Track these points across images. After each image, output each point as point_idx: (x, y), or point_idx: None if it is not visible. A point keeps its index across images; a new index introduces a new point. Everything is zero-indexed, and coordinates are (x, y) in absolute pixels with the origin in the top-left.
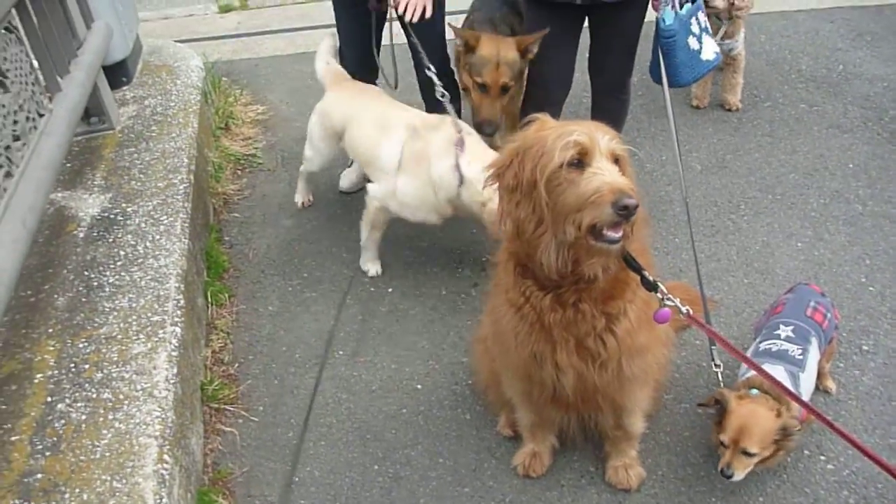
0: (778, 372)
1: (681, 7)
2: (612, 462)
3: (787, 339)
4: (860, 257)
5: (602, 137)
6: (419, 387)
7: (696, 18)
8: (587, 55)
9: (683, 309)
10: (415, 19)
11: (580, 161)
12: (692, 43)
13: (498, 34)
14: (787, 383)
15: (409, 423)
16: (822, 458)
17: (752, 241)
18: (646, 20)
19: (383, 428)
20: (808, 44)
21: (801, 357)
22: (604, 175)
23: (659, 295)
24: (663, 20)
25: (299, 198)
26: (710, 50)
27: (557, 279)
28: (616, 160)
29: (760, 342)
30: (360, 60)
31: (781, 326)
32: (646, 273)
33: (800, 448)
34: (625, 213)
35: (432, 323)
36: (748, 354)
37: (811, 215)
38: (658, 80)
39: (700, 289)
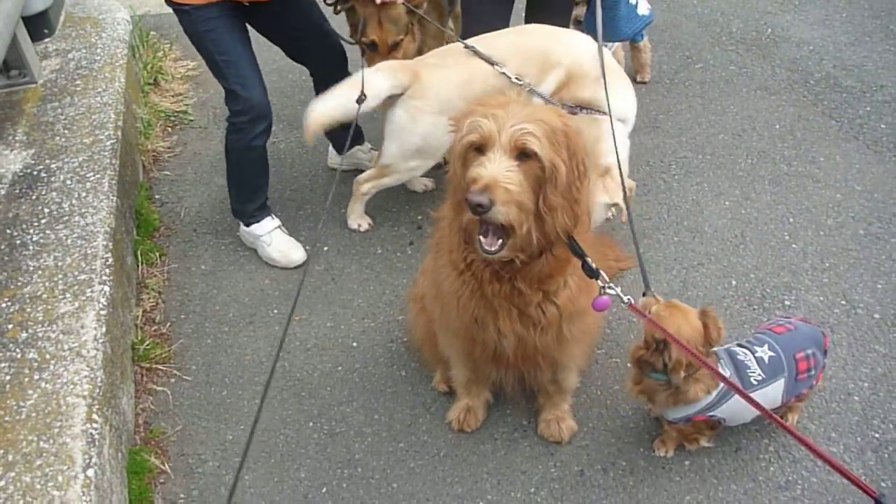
0: (723, 370)
1: None
2: (544, 415)
3: (758, 361)
4: (784, 216)
5: (510, 126)
6: (355, 344)
7: None
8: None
9: (625, 298)
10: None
11: (480, 147)
12: None
13: None
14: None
15: (345, 380)
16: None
17: (682, 200)
18: None
19: (318, 385)
20: (738, 6)
21: (755, 383)
22: (482, 168)
23: (600, 282)
24: None
25: (359, 222)
26: (644, 6)
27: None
28: (523, 151)
29: (737, 343)
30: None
31: (765, 347)
32: (589, 260)
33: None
34: (470, 207)
35: (368, 281)
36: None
37: (739, 175)
38: (604, 36)
39: (637, 253)
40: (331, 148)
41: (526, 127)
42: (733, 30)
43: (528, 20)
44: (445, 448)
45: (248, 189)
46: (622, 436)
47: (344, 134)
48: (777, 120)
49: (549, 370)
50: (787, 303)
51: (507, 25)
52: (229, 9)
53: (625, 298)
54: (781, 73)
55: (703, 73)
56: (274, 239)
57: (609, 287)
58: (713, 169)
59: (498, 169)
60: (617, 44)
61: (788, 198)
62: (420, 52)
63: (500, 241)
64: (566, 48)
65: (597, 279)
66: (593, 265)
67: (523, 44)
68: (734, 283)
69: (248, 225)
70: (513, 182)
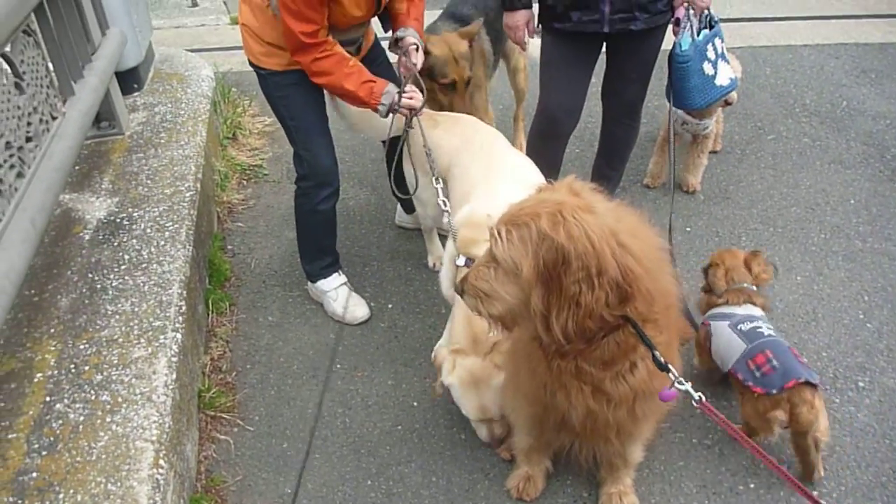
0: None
1: (698, 34)
2: (606, 489)
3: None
4: (859, 294)
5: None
6: (415, 404)
7: (713, 44)
8: (597, 81)
9: (696, 395)
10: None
11: None
12: (707, 68)
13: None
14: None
15: (405, 439)
16: (816, 493)
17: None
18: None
19: (378, 443)
20: (813, 78)
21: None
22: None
23: (671, 376)
24: (679, 45)
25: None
26: (724, 76)
27: None
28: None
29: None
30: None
31: (763, 329)
32: (657, 354)
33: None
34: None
35: (431, 341)
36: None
37: (811, 249)
38: (675, 103)
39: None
40: (399, 206)
41: (495, 229)
42: (807, 101)
43: (605, 87)
44: None
45: (315, 249)
46: None
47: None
48: (851, 194)
49: (619, 443)
50: (860, 384)
51: (585, 91)
52: (306, 75)
53: (695, 395)
54: (856, 147)
55: (775, 145)
56: (340, 295)
57: (679, 382)
58: (784, 242)
59: (476, 265)
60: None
61: (863, 275)
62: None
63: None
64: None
65: (668, 373)
66: (662, 359)
67: None
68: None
69: (314, 281)
70: (480, 279)
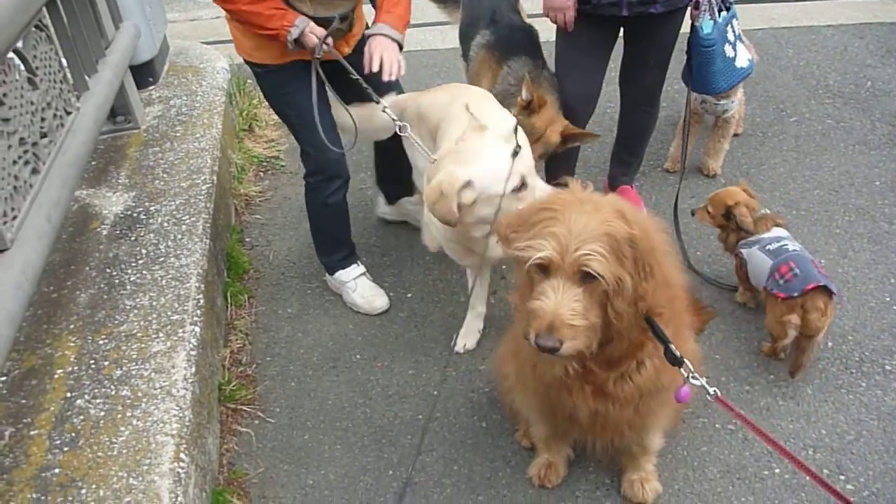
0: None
1: (717, 15)
2: (628, 475)
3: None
4: (885, 276)
5: (574, 250)
6: (435, 393)
7: (731, 26)
8: (614, 66)
9: (711, 390)
10: (393, 77)
11: (545, 268)
12: (728, 51)
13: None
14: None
15: (425, 429)
16: (842, 477)
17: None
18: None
19: (399, 433)
20: (836, 59)
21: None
22: (545, 300)
23: (683, 372)
24: (701, 28)
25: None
26: (743, 57)
27: None
28: (587, 274)
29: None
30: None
31: (789, 245)
32: (672, 347)
33: (819, 468)
34: (540, 349)
35: (451, 330)
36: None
37: (836, 232)
38: (698, 87)
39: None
40: (380, 197)
41: (590, 248)
42: (830, 83)
43: (623, 73)
44: (525, 503)
45: (330, 242)
46: (709, 499)
47: (396, 185)
48: (877, 176)
49: (632, 436)
50: (887, 367)
51: (602, 78)
52: (305, 69)
53: (710, 390)
54: (882, 128)
55: (798, 127)
56: (359, 285)
57: (694, 376)
58: (808, 225)
59: (562, 303)
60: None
61: (889, 257)
62: None
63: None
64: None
65: (680, 367)
66: (677, 353)
67: None
68: (830, 344)
69: (332, 273)
70: (577, 314)
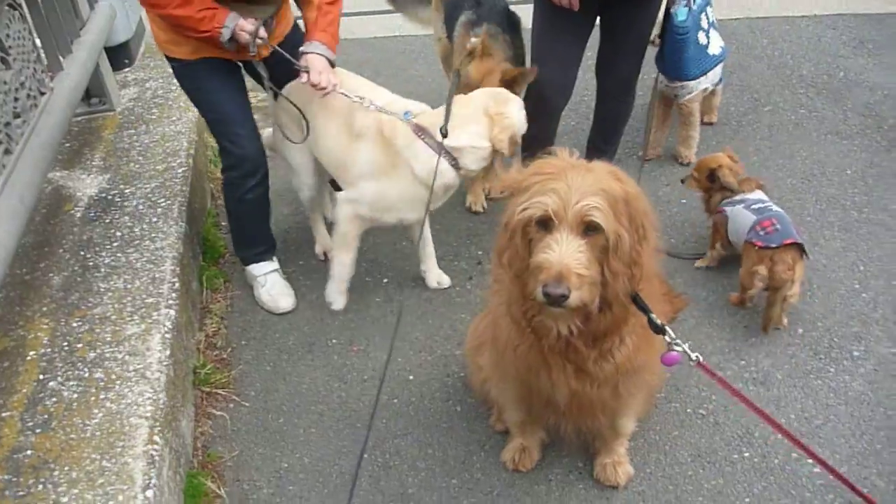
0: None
1: (693, 2)
2: (600, 459)
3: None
4: (854, 263)
5: (575, 202)
6: (411, 377)
7: (706, 13)
8: (591, 54)
9: (693, 356)
10: (328, 91)
11: (546, 223)
12: (701, 38)
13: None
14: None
15: (400, 413)
16: (810, 461)
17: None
18: None
19: (375, 417)
20: (810, 49)
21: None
22: (551, 252)
23: (667, 338)
24: (676, 15)
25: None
26: (716, 45)
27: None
28: (589, 226)
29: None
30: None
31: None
32: (653, 316)
33: (788, 451)
34: (548, 299)
35: (426, 315)
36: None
37: (807, 220)
38: (665, 71)
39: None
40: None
41: (591, 201)
42: (804, 73)
43: (600, 62)
44: (499, 487)
45: (246, 236)
46: (680, 483)
47: None
48: (848, 165)
49: (606, 420)
50: (855, 353)
51: (577, 67)
52: (221, 63)
53: (692, 356)
54: (854, 118)
55: (771, 116)
56: (268, 281)
57: (676, 343)
58: None
59: (568, 253)
60: (707, 84)
61: (859, 245)
62: None
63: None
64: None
65: (664, 335)
66: (658, 321)
67: None
68: (801, 331)
69: (246, 265)
70: (583, 264)
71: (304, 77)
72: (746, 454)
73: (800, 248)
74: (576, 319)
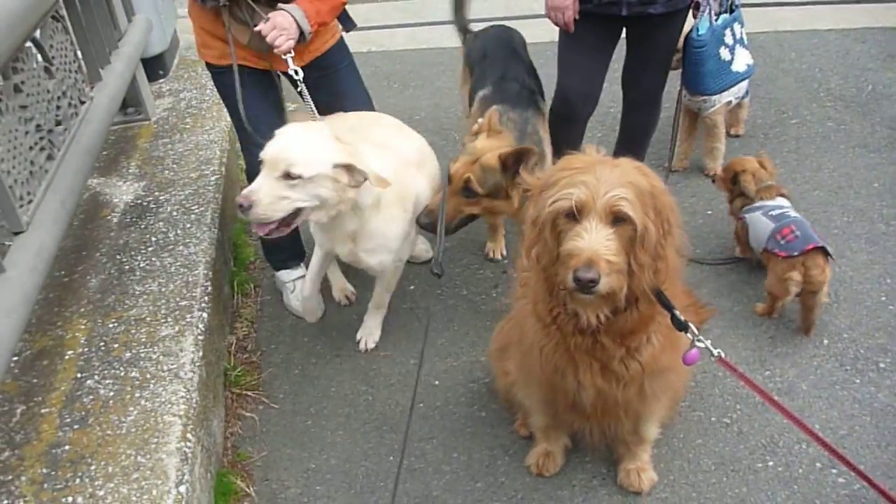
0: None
1: (717, 18)
2: (624, 465)
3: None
4: (881, 276)
5: (604, 193)
6: (437, 383)
7: (731, 29)
8: (616, 66)
9: (715, 352)
10: (283, 49)
11: (576, 214)
12: (723, 53)
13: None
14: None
15: (426, 417)
16: (834, 471)
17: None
18: None
19: (400, 420)
20: (838, 63)
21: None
22: (580, 240)
23: (689, 335)
24: (696, 29)
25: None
26: (742, 62)
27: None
28: (617, 216)
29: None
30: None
31: (790, 212)
32: (677, 313)
33: (812, 461)
34: (579, 284)
35: (452, 322)
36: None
37: (834, 232)
38: (685, 84)
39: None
40: None
41: (619, 192)
42: (832, 86)
43: (625, 74)
44: (523, 491)
45: (270, 241)
46: (703, 490)
47: None
48: (876, 178)
49: (630, 423)
50: (881, 365)
51: (602, 78)
52: (253, 73)
53: (714, 351)
54: (882, 131)
55: (798, 129)
56: (297, 287)
57: (699, 339)
58: None
59: (597, 240)
60: (730, 98)
61: (886, 258)
62: None
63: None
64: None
65: (686, 332)
66: (682, 318)
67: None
68: (826, 342)
69: (275, 271)
70: (612, 252)
71: (260, 24)
72: (770, 463)
73: (823, 251)
74: (604, 308)
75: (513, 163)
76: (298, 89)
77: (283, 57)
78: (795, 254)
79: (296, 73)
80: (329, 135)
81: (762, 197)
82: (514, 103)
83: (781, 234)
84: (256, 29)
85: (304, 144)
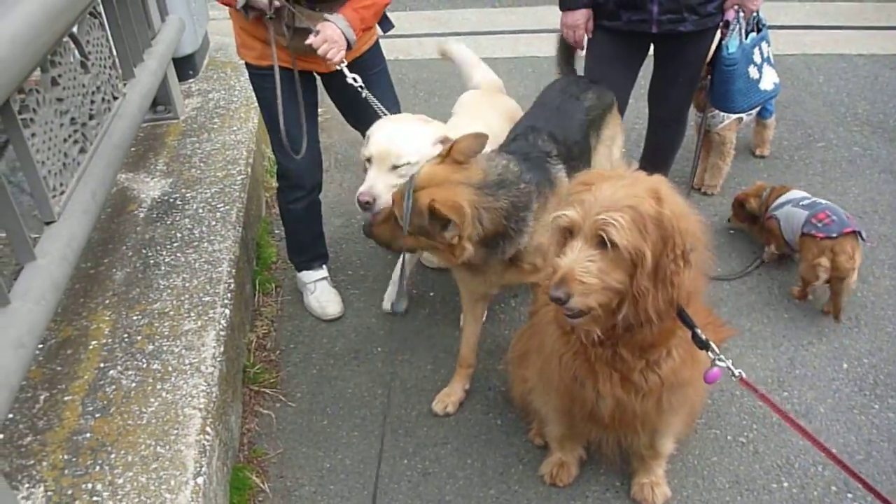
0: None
1: (746, 36)
2: (638, 479)
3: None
4: None
5: (594, 214)
6: None
7: (760, 48)
8: (644, 83)
9: (736, 372)
10: (336, 61)
11: (569, 231)
12: (752, 72)
13: None
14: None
15: (441, 422)
16: (850, 495)
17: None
18: None
19: (415, 424)
20: (866, 88)
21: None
22: (563, 258)
23: (710, 354)
24: (726, 47)
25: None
26: (769, 80)
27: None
28: (603, 239)
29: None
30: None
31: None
32: (699, 331)
33: (828, 485)
34: (553, 300)
35: None
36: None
37: None
38: (713, 103)
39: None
40: None
41: (607, 217)
42: (859, 111)
43: (652, 91)
44: (536, 500)
45: (296, 243)
46: None
47: None
48: None
49: (647, 436)
50: None
51: (629, 92)
52: (291, 75)
53: (735, 372)
54: None
55: (824, 153)
56: (317, 288)
57: (720, 359)
58: None
59: (575, 260)
60: (739, 116)
61: None
62: None
63: (577, 318)
64: None
65: (707, 350)
66: (703, 336)
67: None
68: (845, 366)
69: (298, 271)
70: (589, 272)
71: (310, 38)
72: (786, 484)
73: (857, 236)
74: (594, 326)
75: (441, 217)
76: (364, 95)
77: (338, 67)
78: (834, 235)
79: (354, 80)
80: (417, 119)
81: (774, 198)
82: (522, 158)
83: (818, 218)
84: (307, 42)
85: (404, 133)
